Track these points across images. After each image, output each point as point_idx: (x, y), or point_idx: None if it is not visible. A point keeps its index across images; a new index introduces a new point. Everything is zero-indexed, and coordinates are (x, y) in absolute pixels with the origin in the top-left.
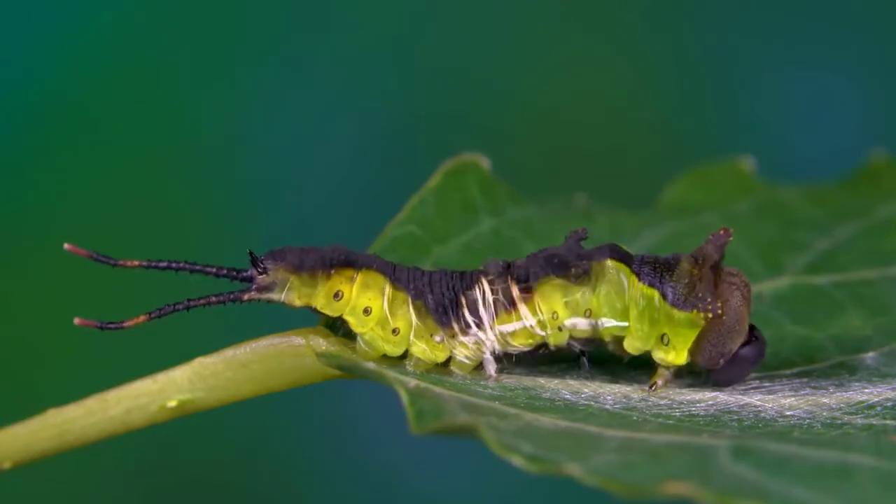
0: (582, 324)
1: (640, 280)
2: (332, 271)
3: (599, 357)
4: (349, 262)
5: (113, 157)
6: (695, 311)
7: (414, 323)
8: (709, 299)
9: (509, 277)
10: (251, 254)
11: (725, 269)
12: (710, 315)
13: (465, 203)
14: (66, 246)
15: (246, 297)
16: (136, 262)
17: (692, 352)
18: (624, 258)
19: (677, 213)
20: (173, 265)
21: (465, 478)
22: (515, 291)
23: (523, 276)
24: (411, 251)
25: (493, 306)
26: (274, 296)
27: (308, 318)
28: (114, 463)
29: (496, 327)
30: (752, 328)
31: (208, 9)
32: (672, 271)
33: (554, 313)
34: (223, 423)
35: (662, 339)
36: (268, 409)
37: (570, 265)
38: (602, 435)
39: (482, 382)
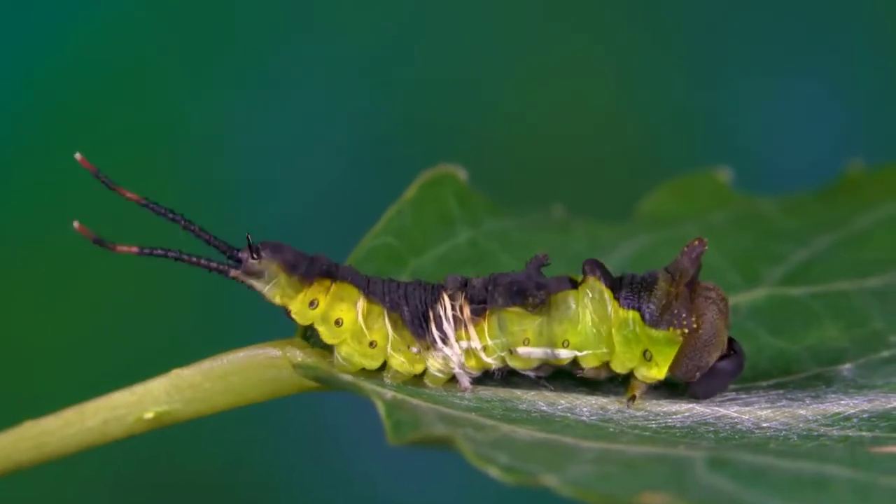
0: (536, 353)
1: (620, 304)
2: (314, 280)
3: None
4: (328, 273)
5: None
6: (671, 328)
7: (390, 335)
8: (683, 315)
9: (463, 297)
10: (248, 238)
11: (702, 284)
12: (686, 331)
13: (442, 214)
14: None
15: (232, 273)
16: (135, 196)
17: (671, 367)
18: (608, 281)
19: (655, 224)
20: (170, 214)
21: (444, 488)
22: (467, 312)
23: (478, 298)
24: (388, 262)
25: (453, 322)
26: (258, 284)
27: (285, 330)
28: (93, 474)
29: (459, 343)
30: (731, 341)
31: (195, 13)
32: (650, 291)
33: (505, 340)
34: (203, 434)
35: (645, 356)
36: (248, 420)
37: (528, 294)
38: (578, 446)
39: (459, 394)
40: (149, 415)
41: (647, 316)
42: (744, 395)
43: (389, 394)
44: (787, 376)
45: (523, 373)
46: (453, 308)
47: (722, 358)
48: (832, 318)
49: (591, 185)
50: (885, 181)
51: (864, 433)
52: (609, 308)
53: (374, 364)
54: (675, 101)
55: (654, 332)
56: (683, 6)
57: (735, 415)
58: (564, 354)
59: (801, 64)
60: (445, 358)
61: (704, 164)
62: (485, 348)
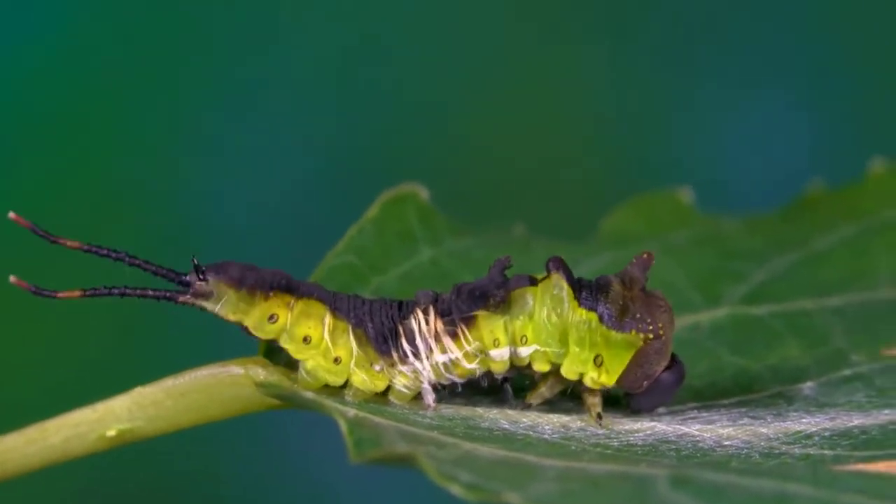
0: (505, 353)
1: (580, 304)
2: (271, 293)
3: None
4: (289, 289)
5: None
6: (633, 331)
7: (355, 352)
8: (648, 320)
9: (434, 311)
10: (194, 260)
11: (652, 292)
12: (651, 336)
13: (403, 233)
14: (10, 215)
15: (181, 299)
16: (77, 244)
17: (620, 376)
18: (570, 279)
19: (616, 243)
20: (113, 254)
21: None
22: (440, 325)
23: (447, 310)
24: (350, 281)
25: (427, 337)
26: (208, 305)
27: (248, 348)
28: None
29: (432, 357)
30: (672, 355)
31: (153, 32)
32: (606, 293)
33: (478, 344)
34: (166, 450)
35: (596, 361)
36: (210, 437)
37: (489, 295)
38: (541, 464)
39: (421, 412)
40: (111, 432)
41: (605, 317)
42: (705, 414)
43: (352, 412)
44: (749, 394)
45: (498, 377)
46: (426, 322)
47: (665, 369)
48: (794, 336)
49: (550, 206)
50: (844, 201)
51: (825, 451)
52: (567, 306)
53: (338, 380)
54: (636, 121)
55: (614, 335)
56: (646, 26)
57: (697, 433)
58: (525, 352)
59: (764, 82)
60: (416, 372)
61: (666, 184)
62: (465, 356)
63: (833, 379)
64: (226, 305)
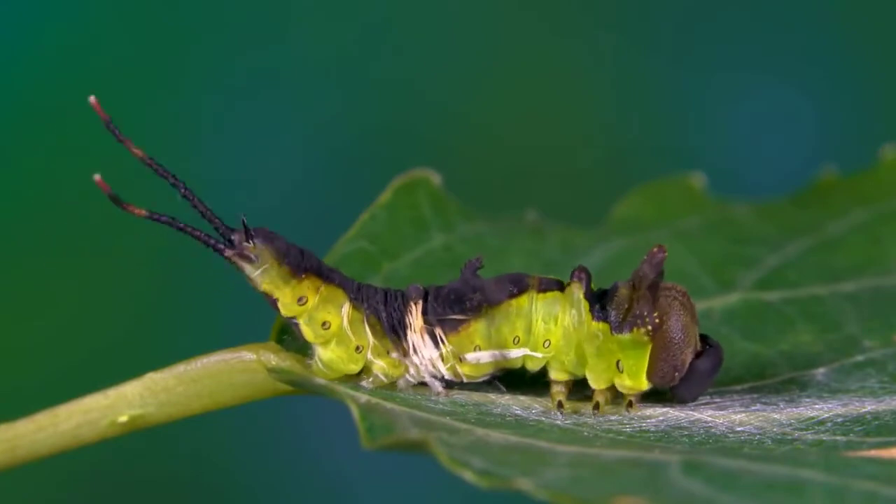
0: (485, 356)
1: (593, 317)
2: (303, 275)
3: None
4: (319, 273)
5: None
6: (634, 329)
7: (371, 341)
8: (645, 314)
9: (419, 309)
10: (244, 221)
11: (662, 285)
12: (650, 328)
13: (415, 219)
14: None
15: (227, 253)
16: (140, 152)
17: (648, 374)
18: (588, 291)
19: (628, 229)
20: (171, 178)
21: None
22: (421, 323)
23: (427, 311)
24: (362, 267)
25: (419, 332)
26: (248, 268)
27: (259, 334)
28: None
29: (429, 352)
30: (704, 338)
31: (159, 21)
32: (612, 300)
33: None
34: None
35: (618, 367)
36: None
37: (465, 300)
38: (553, 450)
39: (433, 398)
40: (122, 418)
41: (612, 324)
42: (718, 399)
43: (364, 398)
44: (762, 380)
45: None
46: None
47: (698, 356)
48: (806, 322)
49: (562, 192)
50: (856, 187)
51: (838, 437)
52: (583, 320)
53: (356, 368)
54: (648, 107)
55: (621, 338)
56: (653, 13)
57: (709, 419)
58: (515, 354)
59: (774, 71)
60: (415, 366)
61: (674, 170)
62: (440, 356)
63: (846, 365)
64: (264, 274)
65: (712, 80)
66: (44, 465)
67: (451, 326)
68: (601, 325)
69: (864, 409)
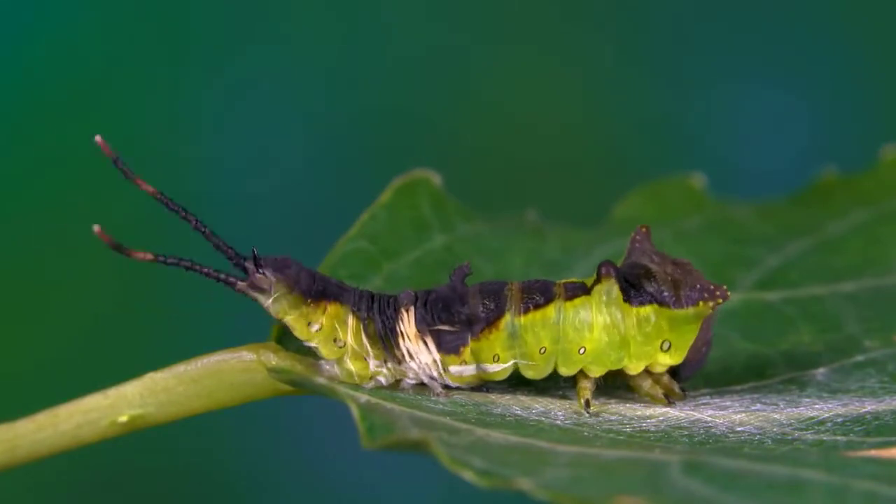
0: (469, 370)
1: (632, 304)
2: (311, 299)
3: (553, 374)
4: (325, 294)
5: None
6: (700, 303)
7: (370, 351)
8: (712, 287)
9: (406, 315)
10: (255, 252)
11: (678, 260)
12: (720, 300)
13: (416, 219)
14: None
15: (238, 286)
16: (152, 189)
17: None
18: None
19: (628, 229)
20: (182, 212)
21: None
22: (413, 330)
23: (418, 319)
24: (362, 267)
25: (412, 338)
26: (261, 298)
27: (259, 334)
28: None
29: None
30: None
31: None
32: (651, 279)
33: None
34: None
35: (662, 347)
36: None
37: (453, 311)
38: (553, 450)
39: (433, 398)
40: (122, 418)
41: (667, 301)
42: (717, 399)
43: (364, 397)
44: (762, 380)
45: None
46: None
47: None
48: (806, 322)
49: (562, 192)
50: (857, 188)
51: (838, 437)
52: (621, 312)
53: (369, 374)
54: (644, 107)
55: (680, 313)
56: (653, 14)
57: (709, 419)
58: (494, 369)
59: (775, 71)
60: (413, 371)
61: (677, 170)
62: (431, 363)
63: (846, 365)
64: (277, 304)
65: (712, 81)
66: (44, 465)
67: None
68: (646, 308)
69: (864, 409)
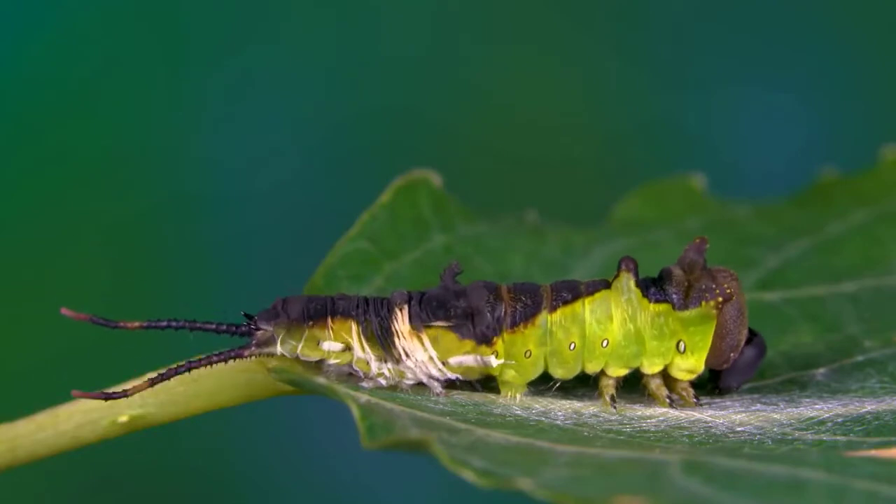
0: (468, 360)
1: (649, 300)
2: (310, 322)
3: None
4: (323, 313)
5: (54, 172)
6: (703, 302)
7: (371, 354)
8: (713, 286)
9: (400, 314)
10: (245, 315)
11: (714, 267)
12: (721, 299)
13: (416, 219)
14: (63, 310)
15: (247, 353)
16: (137, 324)
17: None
18: (638, 280)
19: (628, 229)
20: (174, 324)
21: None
22: (407, 327)
23: (412, 317)
24: (363, 267)
25: (408, 337)
26: (273, 350)
27: None
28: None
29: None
30: (749, 328)
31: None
32: (670, 280)
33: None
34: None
35: (678, 347)
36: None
37: (449, 307)
38: (553, 450)
39: (433, 398)
40: (122, 418)
41: (675, 302)
42: (717, 400)
43: (364, 397)
44: (762, 381)
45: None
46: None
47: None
48: (806, 322)
49: (561, 190)
50: (857, 188)
51: (838, 437)
52: (638, 306)
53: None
54: (647, 107)
55: (687, 314)
56: (653, 14)
57: (709, 419)
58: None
59: (768, 72)
60: (412, 370)
61: (674, 171)
62: (428, 359)
63: (846, 365)
64: (284, 344)
65: (712, 82)
66: (44, 465)
67: (509, 324)
68: (661, 306)
69: (864, 409)
